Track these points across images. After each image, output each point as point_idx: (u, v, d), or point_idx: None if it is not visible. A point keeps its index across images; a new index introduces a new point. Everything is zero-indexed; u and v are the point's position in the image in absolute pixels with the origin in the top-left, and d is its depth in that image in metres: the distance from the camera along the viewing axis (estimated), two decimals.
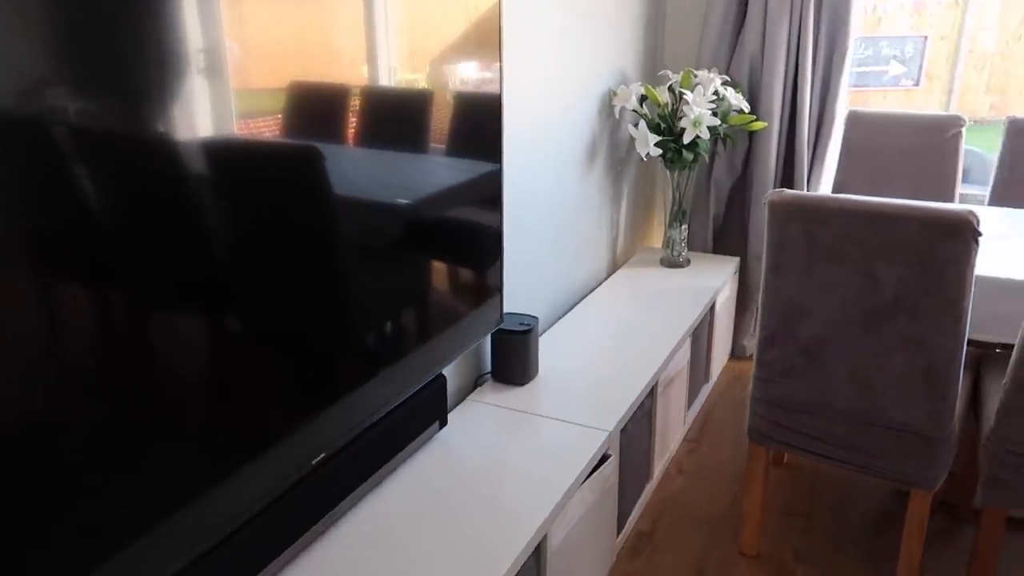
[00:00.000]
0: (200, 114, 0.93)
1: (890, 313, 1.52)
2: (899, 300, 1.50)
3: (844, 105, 2.75)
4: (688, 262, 2.77)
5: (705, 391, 2.64)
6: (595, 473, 1.65)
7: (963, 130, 2.59)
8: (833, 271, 1.55)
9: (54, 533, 0.83)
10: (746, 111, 2.62)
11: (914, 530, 1.67)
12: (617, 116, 2.58)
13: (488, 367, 2.02)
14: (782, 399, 1.72)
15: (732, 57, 2.79)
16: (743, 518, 1.89)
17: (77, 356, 0.82)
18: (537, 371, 1.97)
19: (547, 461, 1.59)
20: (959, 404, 1.59)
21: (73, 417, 0.83)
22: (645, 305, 2.42)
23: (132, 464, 0.91)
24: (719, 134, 2.58)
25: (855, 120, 2.74)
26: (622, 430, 1.80)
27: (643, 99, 2.58)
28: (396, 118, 1.34)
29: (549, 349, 2.12)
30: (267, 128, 1.05)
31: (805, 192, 1.52)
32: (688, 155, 2.55)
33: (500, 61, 1.62)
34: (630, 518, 2.00)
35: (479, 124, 1.59)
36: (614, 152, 2.68)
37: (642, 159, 2.95)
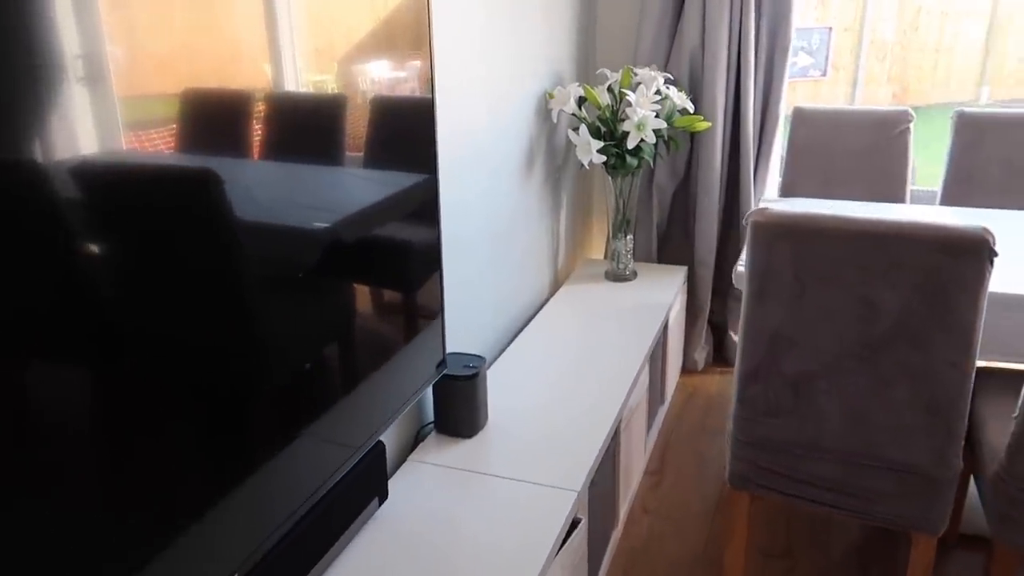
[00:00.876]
0: (61, 132, 0.64)
1: (890, 342, 1.35)
2: (901, 328, 1.33)
3: (786, 102, 2.61)
4: (635, 275, 2.58)
5: (661, 414, 2.45)
6: (565, 545, 1.42)
7: (911, 125, 2.48)
8: (825, 297, 1.36)
9: None
10: (690, 111, 2.44)
11: None
12: (555, 120, 2.36)
13: (430, 416, 1.76)
14: (766, 440, 1.53)
15: (671, 53, 2.60)
16: (724, 569, 1.70)
17: None
18: (487, 419, 1.72)
19: (510, 533, 1.35)
20: None
21: None
22: (597, 327, 2.20)
23: None
24: (663, 137, 2.39)
25: (800, 117, 2.60)
26: (590, 486, 1.58)
27: (582, 101, 2.36)
28: (310, 127, 1.06)
29: (497, 388, 1.87)
30: (150, 147, 0.77)
31: (793, 209, 1.33)
32: (632, 161, 2.34)
33: (431, 59, 1.36)
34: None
35: (409, 130, 1.33)
36: (552, 159, 2.45)
37: (582, 166, 2.73)
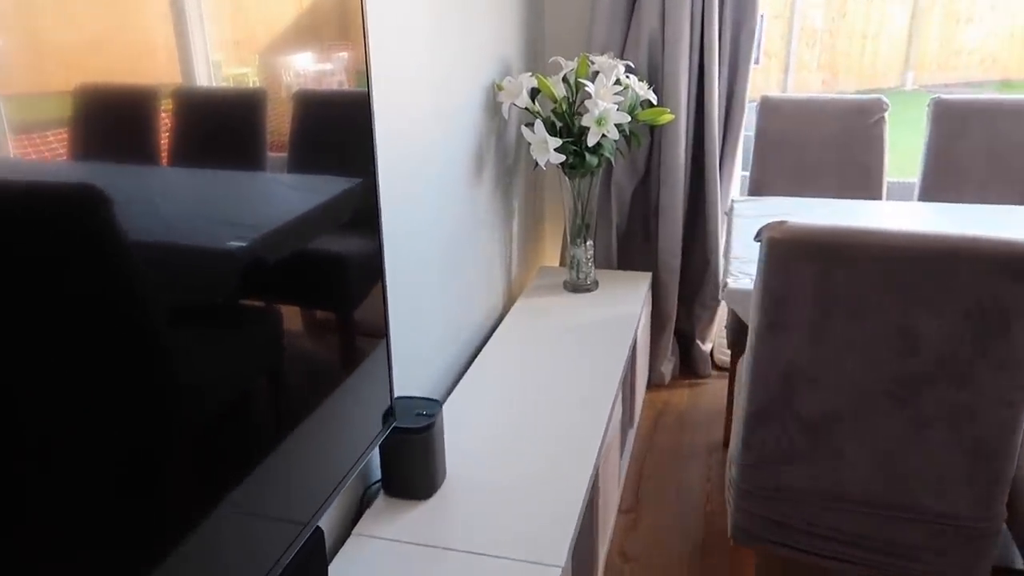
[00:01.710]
0: None
1: (930, 379, 1.13)
2: (944, 362, 1.11)
3: (749, 90, 2.40)
4: (596, 284, 2.33)
5: (631, 439, 2.22)
6: None
7: (886, 114, 2.31)
8: (853, 328, 1.13)
9: None
10: (653, 102, 2.20)
11: None
12: (506, 115, 2.09)
13: (377, 474, 1.48)
14: (778, 490, 1.30)
15: (627, 37, 2.36)
16: None
17: None
18: (444, 474, 1.45)
19: None
20: None
21: None
22: (561, 347, 1.95)
23: None
24: (624, 132, 2.14)
25: (768, 107, 2.40)
26: (573, 554, 1.32)
27: (535, 93, 2.10)
28: (221, 128, 0.77)
29: (453, 430, 1.60)
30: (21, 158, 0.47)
31: (815, 223, 1.09)
32: (592, 159, 2.09)
33: (365, 46, 1.08)
34: None
35: (342, 130, 1.05)
36: (503, 159, 2.19)
37: (536, 165, 2.47)
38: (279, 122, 0.88)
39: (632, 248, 2.58)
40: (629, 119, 2.05)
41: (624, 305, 2.21)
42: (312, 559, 1.06)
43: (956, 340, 1.09)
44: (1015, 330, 1.06)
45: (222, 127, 0.79)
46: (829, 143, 2.32)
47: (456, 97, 1.79)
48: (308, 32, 0.93)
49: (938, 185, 2.26)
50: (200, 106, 0.74)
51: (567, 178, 2.22)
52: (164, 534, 0.73)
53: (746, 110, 2.42)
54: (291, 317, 0.95)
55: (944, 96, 2.28)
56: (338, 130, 1.03)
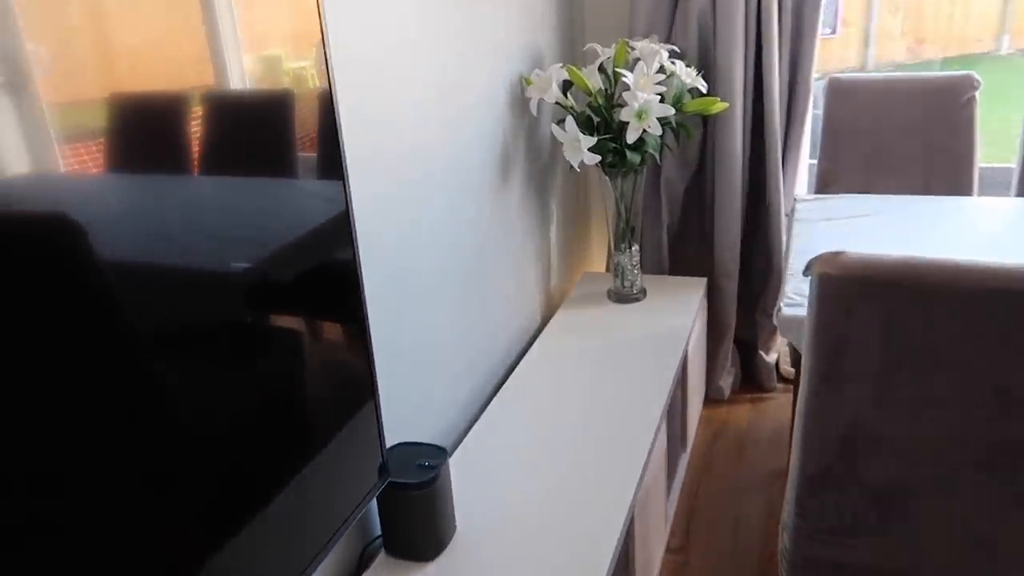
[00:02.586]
0: None
1: None
2: None
3: (818, 66, 2.13)
4: (644, 293, 2.12)
5: (682, 467, 2.01)
6: None
7: (977, 93, 2.00)
8: (931, 383, 0.90)
9: None
10: (702, 90, 1.97)
11: None
12: (535, 112, 1.89)
13: (376, 530, 1.33)
14: (839, 565, 1.08)
15: (674, 19, 2.12)
16: None
17: None
18: (454, 529, 1.29)
19: None
20: None
21: None
22: (597, 372, 1.75)
23: None
24: (671, 124, 1.92)
25: (837, 90, 2.13)
26: None
27: (567, 86, 1.90)
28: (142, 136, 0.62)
29: (468, 477, 1.43)
30: None
31: (878, 254, 0.87)
32: (634, 157, 1.88)
33: (321, 26, 0.91)
34: None
35: (304, 137, 0.89)
36: (535, 160, 1.99)
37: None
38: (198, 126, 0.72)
39: (685, 250, 2.35)
40: (674, 111, 1.82)
41: (674, 316, 2.00)
42: None
43: None
44: None
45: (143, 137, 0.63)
46: (910, 129, 2.04)
47: (480, 95, 1.61)
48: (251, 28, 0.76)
49: None
50: (127, 110, 0.59)
51: (608, 178, 2.01)
52: None
53: (812, 91, 2.15)
54: (238, 366, 0.79)
55: None
56: (273, 141, 0.86)
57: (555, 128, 1.81)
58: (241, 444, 0.80)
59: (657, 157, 1.94)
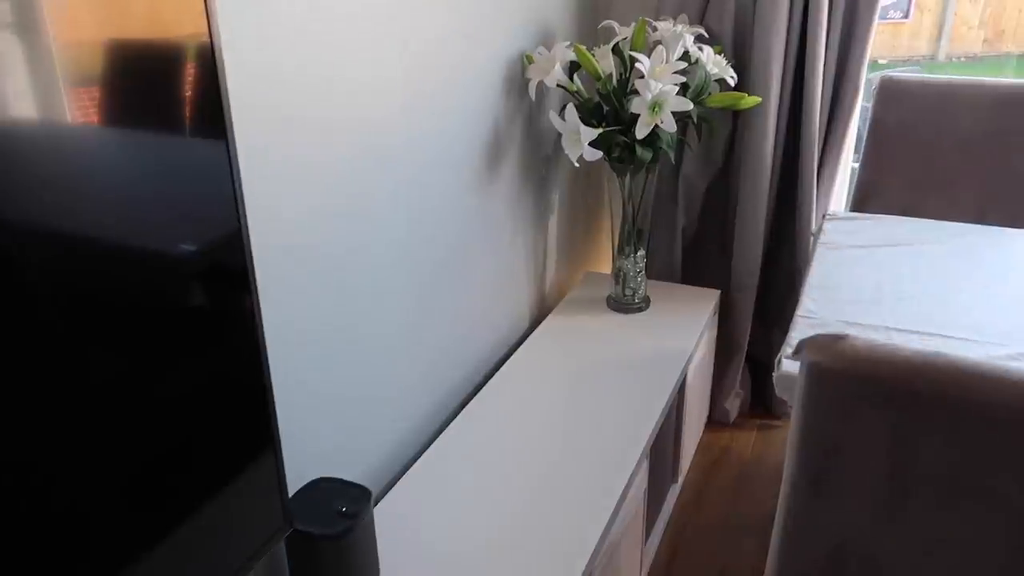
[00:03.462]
0: None
1: None
2: None
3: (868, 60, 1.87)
4: (647, 303, 1.91)
5: (671, 499, 1.82)
6: None
7: None
8: (950, 515, 0.69)
9: None
10: (731, 82, 1.73)
11: None
12: (533, 96, 1.67)
13: None
14: None
15: (709, 1, 1.87)
16: None
17: None
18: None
19: None
20: None
21: None
22: (579, 394, 1.56)
23: None
24: (692, 119, 1.69)
25: (890, 91, 1.86)
26: None
27: (574, 68, 1.67)
28: None
29: (404, 518, 1.26)
30: None
31: (891, 345, 0.65)
32: (645, 153, 1.65)
33: None
34: None
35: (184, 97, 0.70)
36: (535, 149, 1.78)
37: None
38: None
39: (701, 257, 2.12)
40: (692, 106, 1.59)
41: (678, 332, 1.79)
42: None
43: None
44: None
45: None
46: (970, 142, 1.77)
47: (458, 72, 1.40)
48: None
49: None
50: None
51: (615, 174, 1.79)
52: None
53: (862, 88, 1.89)
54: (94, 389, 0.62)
55: None
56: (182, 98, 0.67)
57: (554, 116, 1.59)
58: (98, 491, 0.63)
59: (671, 156, 1.71)
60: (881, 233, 1.58)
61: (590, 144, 1.56)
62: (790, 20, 1.80)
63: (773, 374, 1.08)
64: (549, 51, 1.61)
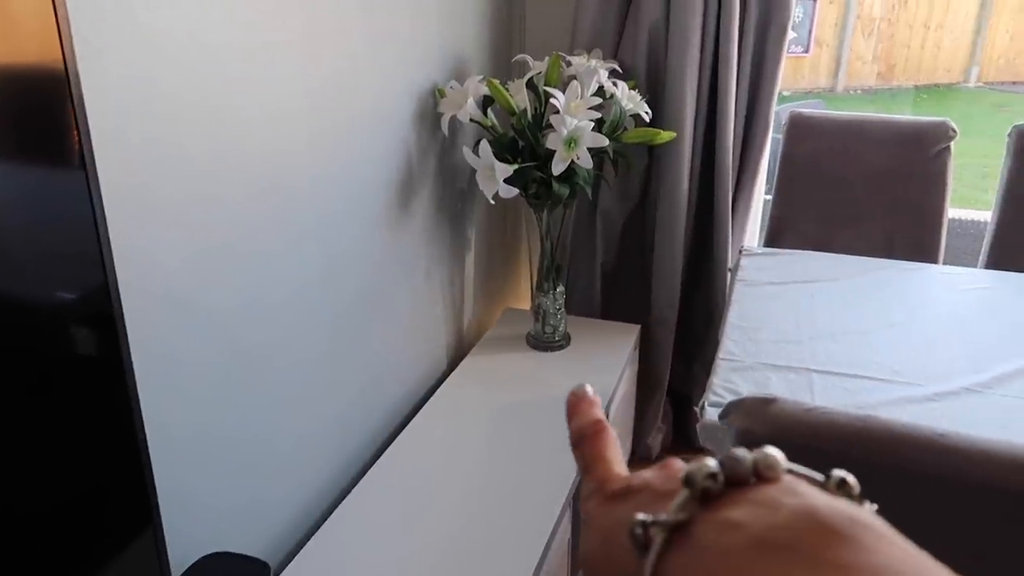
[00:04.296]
0: None
1: None
2: None
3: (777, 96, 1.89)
4: (568, 340, 1.87)
5: None
6: None
7: (952, 144, 1.79)
8: None
9: None
10: (646, 117, 1.72)
11: None
12: (445, 131, 1.61)
13: None
14: None
15: (623, 32, 1.87)
16: None
17: None
18: None
19: None
20: None
21: None
22: (498, 440, 1.50)
23: None
24: (607, 154, 1.66)
25: (799, 127, 1.90)
26: None
27: (488, 103, 1.63)
28: None
29: None
30: None
31: (826, 409, 0.62)
32: (562, 189, 1.62)
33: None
34: None
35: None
36: (449, 184, 1.72)
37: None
38: None
39: (620, 292, 2.10)
40: (608, 141, 1.56)
41: (599, 369, 1.75)
42: None
43: None
44: None
45: None
46: (875, 177, 1.82)
47: (367, 105, 1.33)
48: None
49: (1019, 236, 1.74)
50: None
51: (532, 211, 1.75)
52: None
53: (772, 122, 1.91)
54: None
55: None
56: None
57: (467, 152, 1.54)
58: None
59: (588, 191, 1.68)
60: (796, 269, 1.59)
61: (506, 181, 1.52)
62: (702, 53, 1.81)
63: (696, 424, 1.04)
64: (462, 85, 1.56)
